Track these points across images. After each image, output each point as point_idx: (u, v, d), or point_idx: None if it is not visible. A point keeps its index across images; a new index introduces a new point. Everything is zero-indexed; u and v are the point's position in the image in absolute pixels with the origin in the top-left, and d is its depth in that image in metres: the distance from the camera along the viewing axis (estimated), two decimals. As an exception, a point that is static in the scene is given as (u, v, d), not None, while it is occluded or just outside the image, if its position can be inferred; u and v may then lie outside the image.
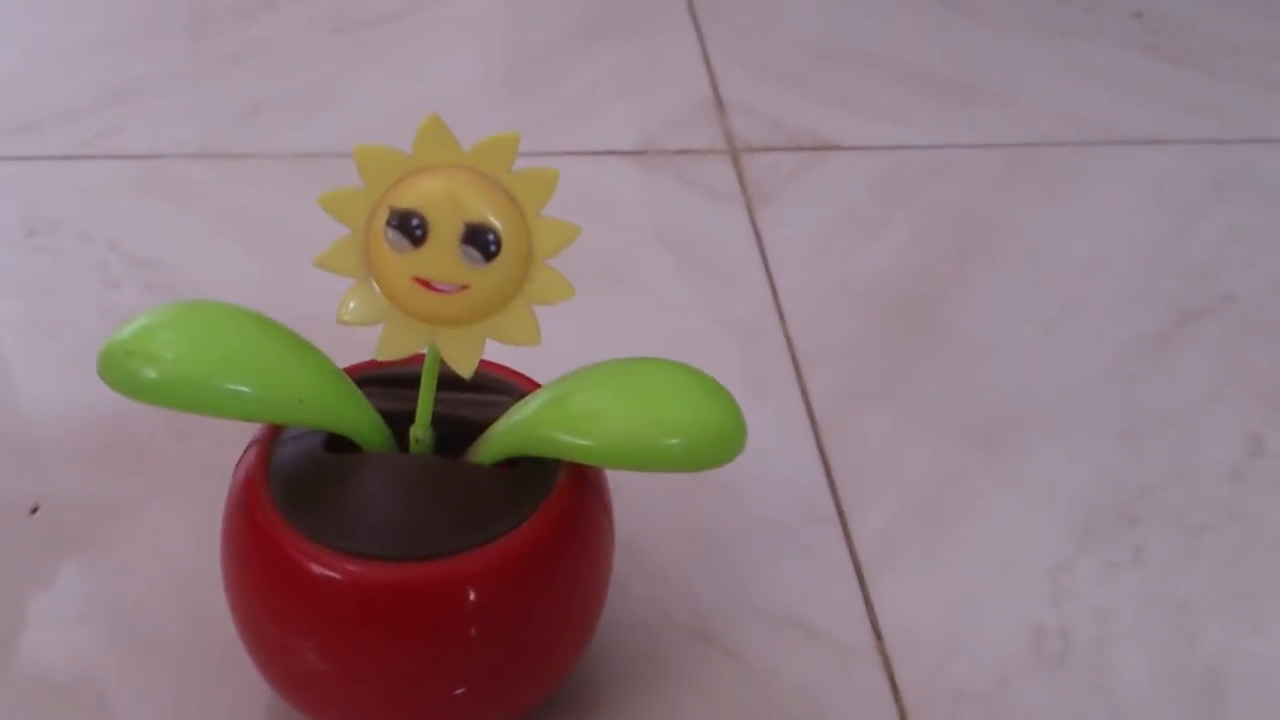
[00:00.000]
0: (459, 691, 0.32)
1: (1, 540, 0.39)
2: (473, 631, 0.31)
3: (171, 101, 0.60)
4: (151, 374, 0.29)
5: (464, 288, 0.28)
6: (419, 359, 0.35)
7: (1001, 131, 0.61)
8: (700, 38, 0.68)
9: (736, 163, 0.58)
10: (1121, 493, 0.43)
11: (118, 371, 0.29)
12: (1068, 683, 0.37)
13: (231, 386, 0.30)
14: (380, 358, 0.29)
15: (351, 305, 0.29)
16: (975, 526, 0.42)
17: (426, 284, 0.28)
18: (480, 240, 0.28)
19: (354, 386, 0.32)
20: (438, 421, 0.33)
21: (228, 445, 0.42)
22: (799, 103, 0.63)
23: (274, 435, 0.33)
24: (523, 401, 0.33)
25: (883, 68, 0.66)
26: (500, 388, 0.34)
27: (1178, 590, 0.40)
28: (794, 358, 0.48)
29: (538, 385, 0.35)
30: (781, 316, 0.50)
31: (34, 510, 0.40)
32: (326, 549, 0.30)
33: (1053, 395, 0.47)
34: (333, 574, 0.30)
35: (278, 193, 0.55)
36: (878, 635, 0.38)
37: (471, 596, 0.30)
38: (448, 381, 0.34)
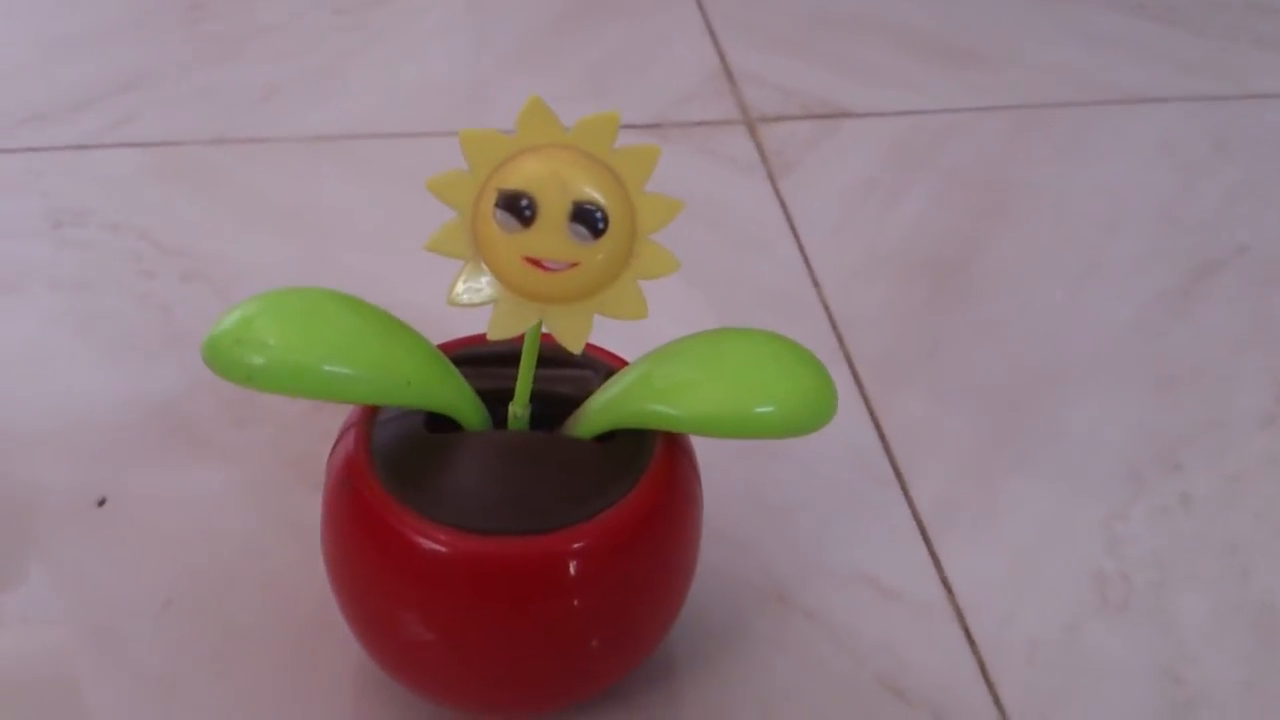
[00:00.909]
0: (565, 661, 0.32)
1: (73, 533, 0.39)
2: (582, 603, 0.31)
3: (180, 88, 0.59)
4: (260, 360, 0.29)
5: (573, 265, 0.29)
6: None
7: (1005, 94, 0.63)
8: (701, 9, 0.69)
9: (754, 133, 0.59)
10: (1162, 442, 0.45)
11: (226, 360, 0.30)
12: (1133, 625, 0.39)
13: (342, 370, 0.30)
14: (493, 338, 0.30)
15: (462, 287, 0.29)
16: (1028, 480, 0.43)
17: (537, 263, 0.29)
18: (588, 218, 0.28)
19: (453, 366, 0.32)
20: (530, 398, 0.33)
21: (289, 430, 0.43)
22: (806, 71, 0.63)
23: (370, 417, 0.33)
24: (617, 376, 0.33)
25: (882, 33, 0.67)
26: (584, 363, 0.35)
27: (1226, 533, 0.42)
28: (834, 324, 0.49)
29: (620, 359, 0.35)
30: (816, 284, 0.51)
31: (101, 502, 0.40)
32: (439, 525, 0.30)
33: (1085, 351, 0.49)
34: (447, 549, 0.30)
35: (301, 176, 0.55)
36: (948, 589, 0.39)
37: (583, 568, 0.31)
38: (540, 360, 0.34)
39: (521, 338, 0.35)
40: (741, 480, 0.42)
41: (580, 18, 0.67)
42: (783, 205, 0.55)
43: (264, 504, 0.41)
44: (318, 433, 0.43)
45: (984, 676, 0.37)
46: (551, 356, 0.34)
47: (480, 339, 0.35)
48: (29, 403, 0.43)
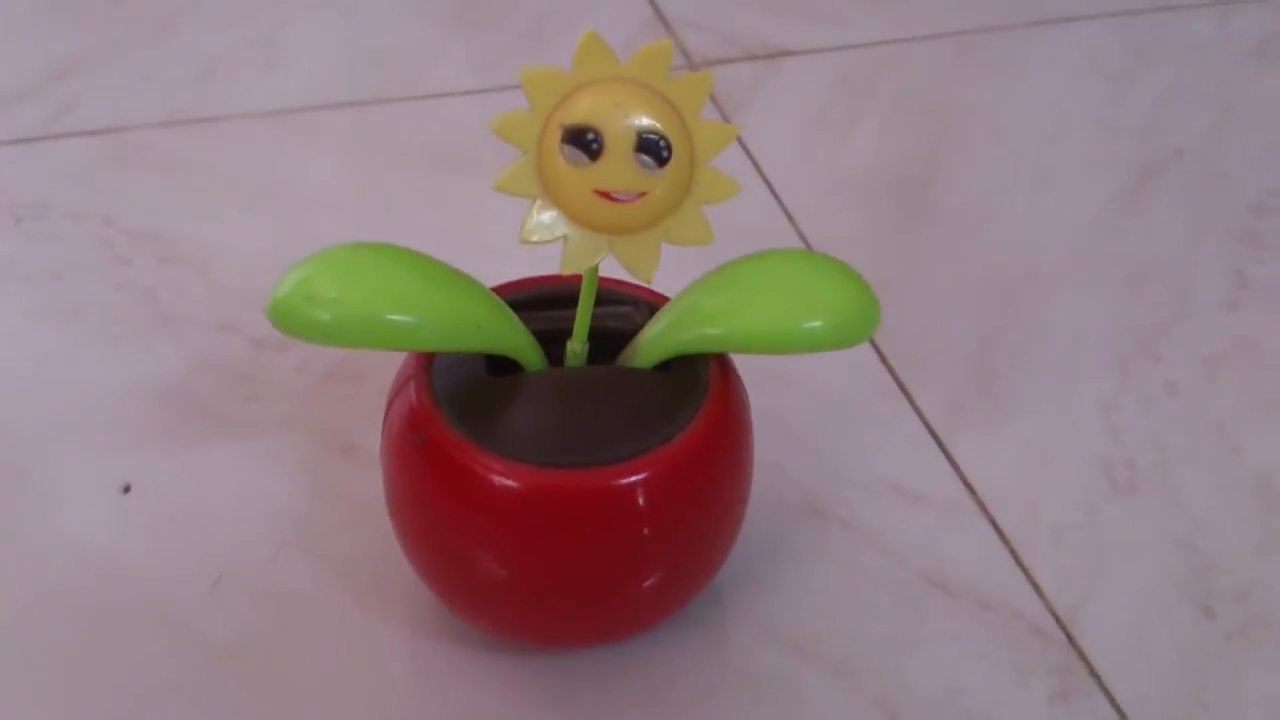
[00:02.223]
0: (641, 585, 0.33)
1: (104, 521, 0.39)
2: (654, 530, 0.32)
3: (116, 71, 0.58)
4: (329, 316, 0.30)
5: (641, 195, 0.30)
6: (542, 280, 0.36)
7: (935, 23, 0.64)
8: (627, -41, 0.69)
9: (701, 76, 0.60)
10: (1139, 334, 0.47)
11: (298, 319, 0.30)
12: (1145, 504, 0.41)
13: (413, 318, 0.30)
14: (565, 271, 0.30)
15: (533, 224, 0.30)
16: (1023, 380, 0.45)
17: (606, 195, 0.29)
18: (653, 147, 0.29)
19: (509, 309, 0.33)
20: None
21: (304, 399, 0.43)
22: (740, 14, 0.64)
23: (427, 367, 0.33)
24: (666, 307, 0.34)
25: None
26: (626, 299, 0.35)
27: (1212, 413, 0.44)
28: (808, 245, 0.50)
29: (658, 295, 0.36)
30: (789, 216, 0.52)
31: (127, 489, 0.40)
32: (517, 462, 0.31)
33: (1053, 256, 0.51)
34: (527, 485, 0.31)
35: (259, 152, 0.54)
36: (969, 488, 0.41)
37: (656, 494, 0.32)
38: (573, 299, 0.35)
39: (559, 279, 0.36)
40: (759, 407, 0.43)
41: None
42: (742, 144, 0.56)
43: (293, 473, 0.40)
44: (334, 399, 0.43)
45: (1018, 563, 0.39)
46: (600, 297, 0.35)
47: (518, 285, 0.36)
48: (29, 398, 0.42)
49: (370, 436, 0.42)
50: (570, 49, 0.64)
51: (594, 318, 0.34)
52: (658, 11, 0.64)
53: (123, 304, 0.46)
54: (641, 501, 0.32)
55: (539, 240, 0.30)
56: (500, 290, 0.35)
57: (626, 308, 0.35)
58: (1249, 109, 0.59)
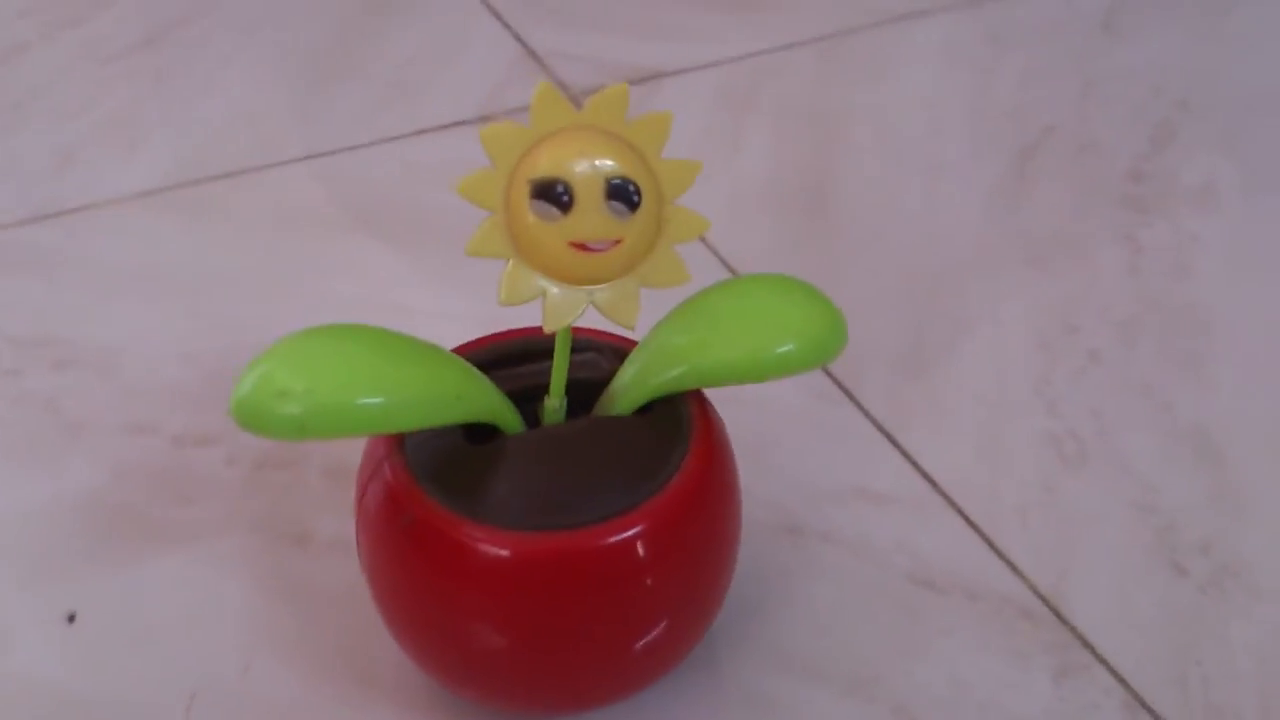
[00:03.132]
0: (648, 638, 0.33)
1: (54, 655, 0.36)
2: (661, 574, 0.32)
3: (-35, 171, 0.54)
4: (301, 410, 0.28)
5: (616, 242, 0.29)
6: (496, 338, 0.35)
7: (797, 31, 0.65)
8: (480, -2, 0.68)
9: (580, 106, 0.59)
10: (1053, 309, 0.49)
11: (270, 418, 0.28)
12: (1097, 473, 0.42)
13: (394, 398, 0.29)
14: (549, 330, 0.29)
15: (509, 286, 0.29)
16: (957, 369, 0.46)
17: (582, 246, 0.29)
18: (624, 193, 0.29)
19: (481, 374, 0.32)
20: (545, 391, 0.33)
21: (238, 494, 0.41)
22: (606, 39, 0.64)
23: (398, 448, 0.32)
24: (637, 350, 0.33)
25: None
26: (586, 346, 0.35)
27: (1137, 376, 0.46)
28: (729, 268, 0.50)
29: (615, 336, 0.35)
30: (701, 238, 0.52)
31: (71, 618, 0.37)
32: (524, 532, 0.30)
33: (957, 246, 0.52)
34: (540, 552, 0.30)
35: (138, 237, 0.51)
36: (931, 482, 0.42)
37: (666, 539, 0.31)
38: (536, 353, 0.34)
39: (513, 334, 0.35)
40: (713, 431, 0.43)
41: (364, 24, 0.65)
42: (636, 169, 0.56)
43: (247, 573, 0.38)
44: (273, 488, 0.41)
45: (994, 549, 0.40)
46: (548, 348, 0.34)
47: (473, 345, 0.35)
48: (-56, 533, 0.39)
49: (321, 521, 0.40)
50: (440, 94, 0.63)
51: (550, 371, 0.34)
52: (525, 47, 0.64)
53: (22, 420, 0.43)
54: (643, 552, 0.31)
55: (517, 301, 0.29)
56: (458, 354, 0.34)
57: (589, 354, 0.35)
58: (1107, 81, 0.62)
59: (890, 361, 0.46)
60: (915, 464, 0.42)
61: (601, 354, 0.35)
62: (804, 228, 0.53)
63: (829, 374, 0.46)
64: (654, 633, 0.32)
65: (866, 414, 0.44)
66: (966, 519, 0.41)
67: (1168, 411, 0.45)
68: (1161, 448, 0.43)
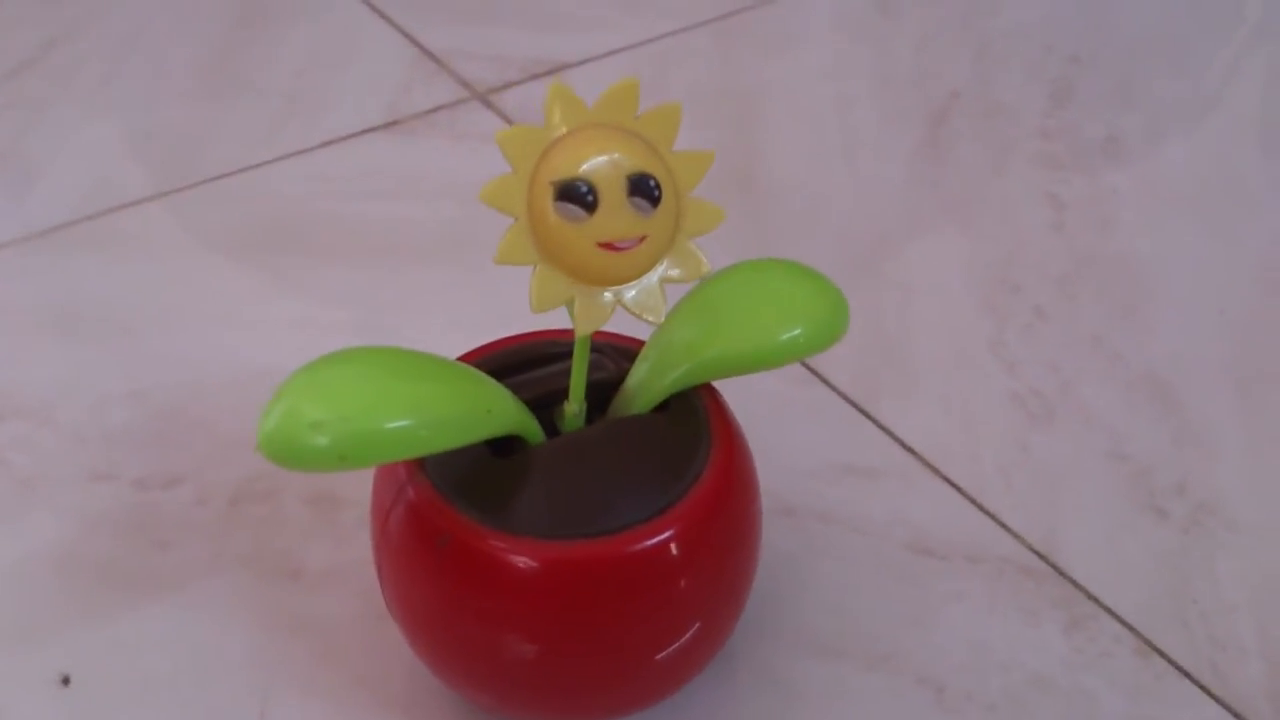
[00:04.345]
0: (685, 637, 0.32)
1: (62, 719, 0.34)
2: (699, 571, 0.31)
3: None
4: (330, 439, 0.27)
5: (642, 239, 0.28)
6: (493, 346, 0.34)
7: (690, 14, 0.65)
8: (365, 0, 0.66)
9: (491, 105, 0.58)
10: (992, 268, 0.50)
11: (305, 450, 0.27)
12: (1065, 427, 0.43)
13: (433, 417, 0.28)
14: (582, 334, 0.29)
15: (540, 292, 0.28)
16: (912, 335, 0.47)
17: (610, 246, 0.28)
18: (645, 189, 0.28)
19: (500, 385, 0.31)
20: (559, 397, 0.32)
21: (217, 533, 0.39)
22: (501, 34, 0.63)
23: (419, 471, 0.31)
24: (648, 347, 0.33)
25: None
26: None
27: (1083, 327, 0.47)
28: (675, 257, 0.50)
29: (613, 336, 0.35)
30: (635, 226, 0.52)
31: (65, 681, 0.35)
32: (572, 540, 0.29)
33: (885, 213, 0.53)
34: (591, 559, 0.29)
35: (52, 275, 0.48)
36: (912, 452, 0.42)
37: (704, 531, 0.31)
38: (537, 359, 0.34)
39: (510, 341, 0.34)
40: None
41: (239, 37, 0.62)
42: (560, 164, 0.55)
43: (243, 614, 0.37)
44: (253, 523, 0.39)
45: (984, 512, 0.41)
46: (556, 354, 0.34)
47: (468, 357, 0.34)
48: (-103, 611, 0.36)
49: (310, 552, 0.38)
50: (340, 103, 0.61)
51: (562, 375, 0.33)
52: (422, 49, 0.62)
53: (-38, 479, 0.40)
54: (683, 552, 0.31)
55: (550, 307, 0.28)
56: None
57: (594, 356, 0.34)
58: (999, 41, 0.63)
59: (850, 337, 0.46)
60: (894, 436, 0.43)
61: (604, 354, 0.34)
62: (734, 207, 0.51)
63: (793, 353, 0.46)
64: (691, 631, 0.32)
65: (837, 391, 0.45)
66: (953, 485, 0.41)
67: (1119, 360, 0.46)
68: (1121, 396, 0.45)
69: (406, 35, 0.63)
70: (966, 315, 0.48)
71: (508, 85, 0.60)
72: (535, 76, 0.61)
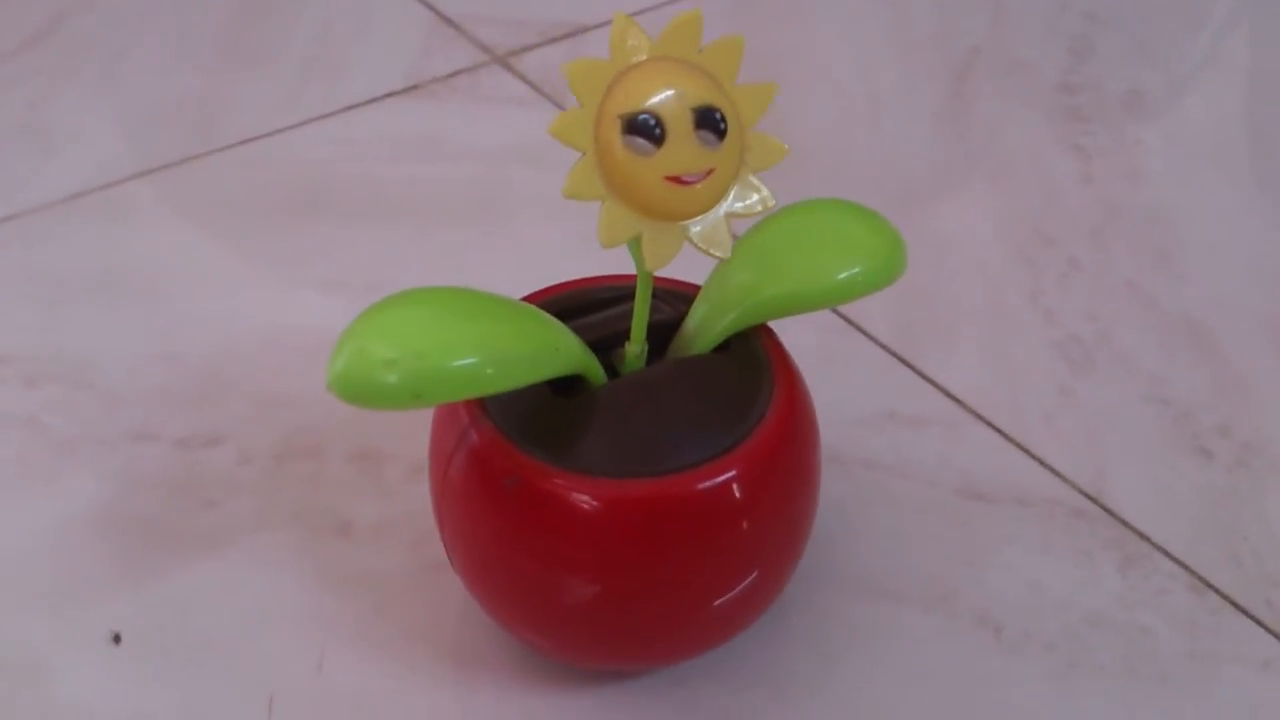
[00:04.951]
0: (748, 578, 0.32)
1: (117, 677, 0.33)
2: (768, 514, 0.31)
3: None
4: (410, 377, 0.27)
5: (709, 173, 0.28)
6: (552, 290, 0.34)
7: (704, -25, 0.65)
8: (377, -33, 0.66)
9: (511, 68, 0.58)
10: (1024, 220, 0.50)
11: (373, 388, 0.26)
12: (1104, 373, 0.43)
13: (506, 354, 0.28)
14: (651, 269, 0.28)
15: (608, 227, 0.28)
16: (948, 286, 0.47)
17: (677, 180, 0.28)
18: (711, 121, 0.28)
19: (563, 325, 0.31)
20: (616, 340, 0.32)
21: (264, 491, 0.39)
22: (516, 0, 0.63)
23: (480, 413, 0.31)
24: (706, 288, 0.33)
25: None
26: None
27: (1118, 273, 0.47)
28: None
29: (663, 279, 0.34)
30: (663, 185, 0.51)
31: (116, 638, 0.34)
32: (640, 478, 0.29)
33: (912, 170, 0.53)
34: (658, 497, 0.29)
35: (79, 240, 0.48)
36: (955, 399, 0.42)
37: (770, 469, 0.31)
38: (594, 303, 0.33)
39: (567, 285, 0.34)
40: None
41: (262, 6, 0.62)
42: (584, 126, 0.55)
43: (294, 571, 0.36)
44: (298, 479, 0.39)
45: (1032, 456, 0.40)
46: (608, 298, 0.33)
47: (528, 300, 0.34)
48: (-55, 573, 0.36)
49: (357, 508, 0.38)
50: (360, 69, 0.61)
51: (620, 318, 0.33)
52: (439, 14, 0.62)
53: (6, 442, 0.40)
54: (746, 492, 0.30)
55: (618, 243, 0.28)
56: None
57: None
58: (1014, 1, 0.63)
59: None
60: (936, 384, 0.43)
61: (659, 298, 0.34)
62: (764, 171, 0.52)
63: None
64: (752, 576, 0.32)
65: (876, 341, 0.44)
66: (998, 430, 0.41)
67: (1155, 307, 0.46)
68: (1157, 340, 0.45)
69: (423, 1, 0.63)
70: (1001, 266, 0.48)
71: (526, 49, 0.59)
72: (553, 40, 0.60)
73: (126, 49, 0.58)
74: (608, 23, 0.61)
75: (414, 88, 0.57)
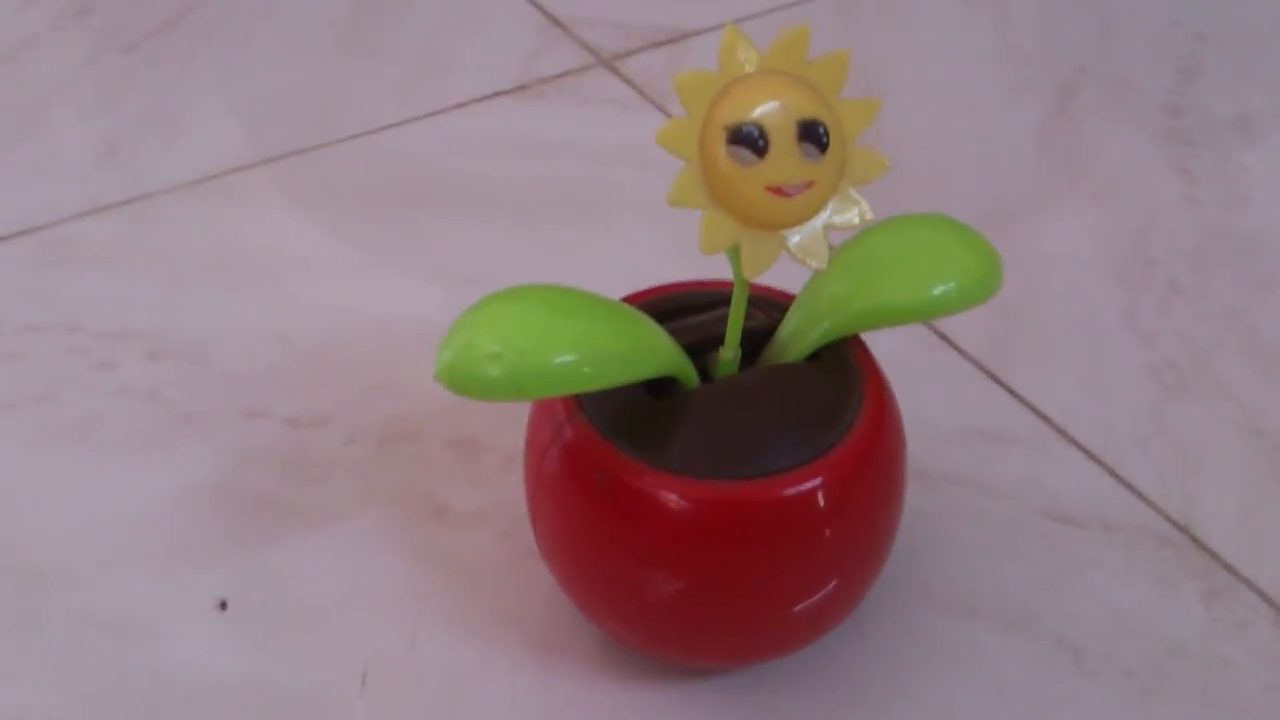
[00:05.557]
0: (829, 585, 0.33)
1: (221, 641, 0.35)
2: (853, 523, 0.32)
3: (5, 170, 0.52)
4: (513, 371, 0.28)
5: (809, 184, 0.29)
6: (651, 292, 0.35)
7: (812, -17, 0.66)
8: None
9: (617, 71, 0.59)
10: (1124, 241, 0.50)
11: (483, 382, 0.28)
12: (1200, 400, 0.43)
13: (605, 353, 0.29)
14: (749, 276, 0.29)
15: (709, 234, 0.29)
16: (1043, 304, 0.47)
17: (778, 190, 0.29)
18: (814, 134, 0.29)
19: (660, 327, 0.32)
20: (711, 345, 0.33)
21: (369, 471, 0.40)
22: (624, 3, 0.64)
23: (578, 405, 0.32)
24: (802, 297, 0.33)
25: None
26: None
27: (1219, 301, 0.47)
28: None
29: (758, 287, 0.35)
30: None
31: (223, 605, 0.36)
32: (731, 481, 0.30)
33: (1012, 184, 0.53)
34: (749, 501, 0.30)
35: (200, 223, 0.50)
36: (1045, 419, 0.42)
37: (857, 479, 0.31)
38: (690, 307, 0.34)
39: (665, 288, 0.35)
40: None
41: (379, 2, 0.64)
42: (687, 130, 0.55)
43: (392, 550, 0.38)
44: (400, 462, 0.40)
45: (1120, 481, 0.40)
46: (705, 303, 0.34)
47: (631, 301, 0.35)
48: (73, 536, 0.38)
49: (454, 493, 0.39)
50: (470, 66, 0.62)
51: (715, 324, 0.34)
52: (547, 14, 0.63)
53: (128, 412, 0.42)
54: (831, 500, 0.31)
55: (718, 250, 0.29)
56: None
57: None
58: (1124, 17, 0.63)
59: (980, 303, 0.47)
60: (1025, 402, 0.43)
61: (754, 305, 0.35)
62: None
63: (923, 319, 0.46)
64: (833, 582, 0.33)
65: (966, 355, 0.45)
66: (1087, 453, 0.41)
67: (1253, 334, 0.46)
68: (1255, 370, 0.44)
69: (533, 1, 0.64)
70: (1099, 286, 0.48)
71: (631, 52, 0.60)
72: (658, 44, 0.61)
73: (249, 39, 0.61)
74: (712, 28, 0.63)
75: (521, 88, 0.58)
